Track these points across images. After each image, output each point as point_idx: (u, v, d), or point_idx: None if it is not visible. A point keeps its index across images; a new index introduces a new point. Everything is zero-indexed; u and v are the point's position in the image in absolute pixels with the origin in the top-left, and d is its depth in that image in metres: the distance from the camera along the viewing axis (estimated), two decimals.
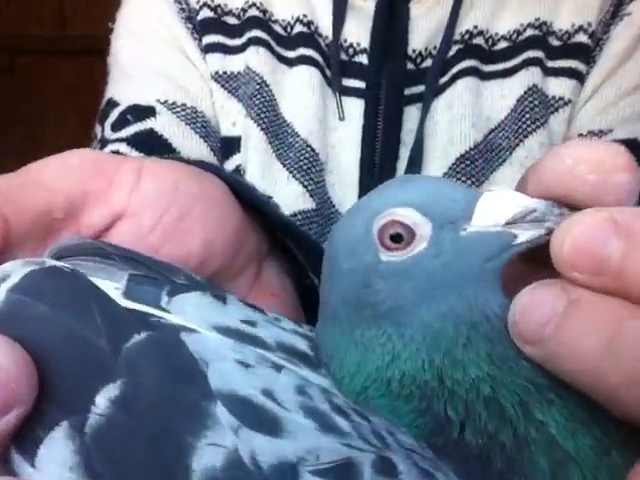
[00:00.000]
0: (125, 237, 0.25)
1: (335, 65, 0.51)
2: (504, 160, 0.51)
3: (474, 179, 0.50)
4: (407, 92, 0.52)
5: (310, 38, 0.53)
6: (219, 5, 0.54)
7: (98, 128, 0.54)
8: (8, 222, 0.22)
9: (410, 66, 0.52)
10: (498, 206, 0.21)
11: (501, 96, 0.52)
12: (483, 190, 0.22)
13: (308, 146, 0.50)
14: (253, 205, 0.31)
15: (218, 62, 0.53)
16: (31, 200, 0.24)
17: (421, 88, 0.52)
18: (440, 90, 0.52)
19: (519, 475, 0.20)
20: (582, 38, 0.53)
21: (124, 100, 0.53)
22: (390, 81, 0.51)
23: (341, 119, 0.51)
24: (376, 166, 0.51)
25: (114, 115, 0.52)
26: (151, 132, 0.50)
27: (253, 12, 0.53)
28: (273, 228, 0.32)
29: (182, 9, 0.54)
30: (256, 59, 0.52)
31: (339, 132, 0.52)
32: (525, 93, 0.52)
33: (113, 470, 0.19)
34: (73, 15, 2.22)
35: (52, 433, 0.19)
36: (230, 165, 0.52)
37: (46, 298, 0.20)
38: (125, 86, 0.54)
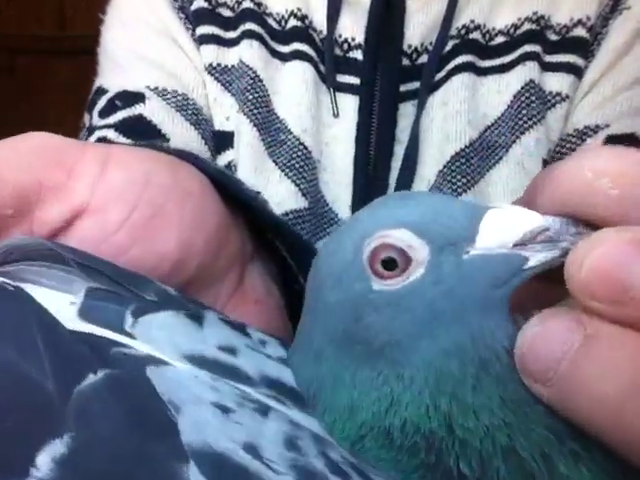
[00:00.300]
0: (88, 236, 0.22)
1: (329, 61, 0.50)
2: (500, 158, 0.50)
3: (469, 177, 0.49)
4: (402, 88, 0.51)
5: (304, 33, 0.51)
6: None
7: (86, 117, 0.51)
8: None
9: (406, 62, 0.51)
10: (505, 224, 0.19)
11: (497, 92, 0.51)
12: (488, 206, 0.20)
13: (301, 144, 0.49)
14: (237, 200, 0.28)
15: (212, 54, 0.51)
16: None
17: (416, 84, 0.51)
18: (436, 86, 0.51)
19: None
20: (581, 32, 0.52)
21: (113, 87, 0.51)
22: (385, 77, 0.50)
23: (335, 116, 0.50)
24: (370, 164, 0.50)
25: (102, 102, 0.50)
26: (140, 117, 0.47)
27: (247, 4, 0.52)
28: (260, 227, 0.30)
29: None
30: (250, 53, 0.50)
31: (333, 129, 0.51)
32: (522, 88, 0.50)
33: None
34: (73, 15, 2.21)
35: None
36: (222, 160, 0.50)
37: None
38: (115, 75, 0.52)
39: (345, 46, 0.51)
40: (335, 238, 0.21)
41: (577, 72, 0.51)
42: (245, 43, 0.51)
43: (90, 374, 0.16)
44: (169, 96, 0.50)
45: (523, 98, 0.50)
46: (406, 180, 0.49)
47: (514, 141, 0.50)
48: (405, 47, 0.51)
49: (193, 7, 0.52)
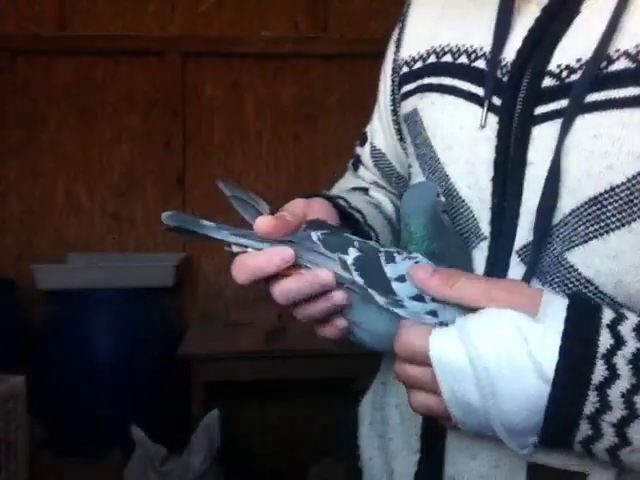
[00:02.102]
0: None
1: (489, 81, 0.51)
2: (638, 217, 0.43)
3: (600, 225, 0.45)
4: (543, 110, 0.48)
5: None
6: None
7: None
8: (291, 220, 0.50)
9: (551, 82, 0.48)
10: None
11: None
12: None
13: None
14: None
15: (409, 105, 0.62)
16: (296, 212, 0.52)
17: (563, 103, 0.46)
18: (586, 108, 0.45)
19: None
20: None
21: None
22: (523, 98, 0.49)
23: (482, 126, 0.51)
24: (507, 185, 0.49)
25: None
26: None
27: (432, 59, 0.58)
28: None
29: None
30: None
31: (479, 146, 0.51)
32: None
33: None
34: (73, 15, 2.22)
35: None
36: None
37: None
38: None
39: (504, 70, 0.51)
40: (409, 194, 0.52)
41: None
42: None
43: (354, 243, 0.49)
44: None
45: None
46: (546, 211, 0.46)
47: None
48: (553, 67, 0.48)
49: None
